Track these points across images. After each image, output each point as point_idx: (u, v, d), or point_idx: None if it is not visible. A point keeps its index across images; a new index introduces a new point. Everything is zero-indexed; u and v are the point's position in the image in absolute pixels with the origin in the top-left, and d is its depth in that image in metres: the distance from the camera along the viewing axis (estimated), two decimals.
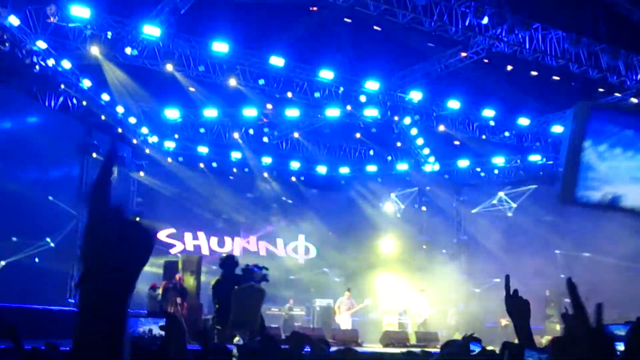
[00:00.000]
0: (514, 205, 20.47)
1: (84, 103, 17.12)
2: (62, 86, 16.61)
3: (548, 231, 18.30)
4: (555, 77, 16.28)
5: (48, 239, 16.84)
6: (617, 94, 17.06)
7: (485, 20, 14.71)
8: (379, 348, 17.72)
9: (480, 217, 21.15)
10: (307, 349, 5.63)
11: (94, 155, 18.29)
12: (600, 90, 16.97)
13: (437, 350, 5.95)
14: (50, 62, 15.37)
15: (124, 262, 1.09)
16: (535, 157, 19.49)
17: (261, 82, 16.63)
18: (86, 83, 16.74)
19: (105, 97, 17.16)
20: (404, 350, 9.08)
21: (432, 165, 20.29)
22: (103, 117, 17.55)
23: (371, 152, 21.32)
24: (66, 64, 15.77)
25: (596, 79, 16.21)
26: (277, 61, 16.04)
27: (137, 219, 1.12)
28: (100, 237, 1.08)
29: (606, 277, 15.83)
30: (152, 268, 18.54)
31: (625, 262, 17.19)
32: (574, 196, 0.58)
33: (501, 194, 20.87)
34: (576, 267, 17.72)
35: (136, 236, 1.11)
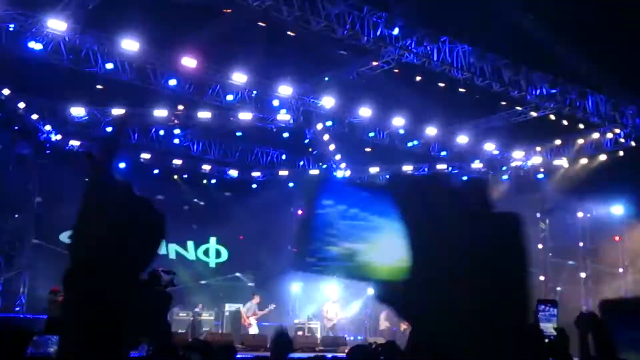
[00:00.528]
0: None
1: None
2: None
3: None
4: (461, 89, 16.86)
5: None
6: (518, 107, 17.89)
7: (395, 31, 15.10)
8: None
9: None
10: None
11: None
12: (503, 103, 17.74)
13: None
14: None
15: (134, 251, 0.86)
16: (442, 166, 20.15)
17: (172, 82, 16.32)
18: None
19: (5, 91, 16.37)
20: (312, 355, 9.17)
21: (343, 172, 20.55)
22: (2, 113, 16.74)
23: (283, 157, 21.37)
24: None
25: (499, 92, 16.92)
26: (189, 62, 15.80)
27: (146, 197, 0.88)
28: (105, 218, 0.85)
29: None
30: (55, 272, 17.88)
31: None
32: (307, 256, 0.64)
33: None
34: None
35: (149, 219, 0.89)
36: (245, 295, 19.43)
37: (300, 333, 18.22)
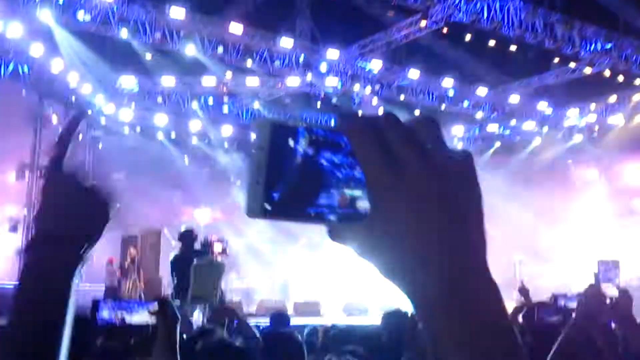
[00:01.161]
0: None
1: (35, 71, 16.60)
2: (12, 54, 16.07)
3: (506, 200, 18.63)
4: (512, 47, 16.46)
5: None
6: (571, 64, 17.39)
7: None
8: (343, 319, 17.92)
9: None
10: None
11: (48, 124, 17.83)
12: (556, 60, 17.27)
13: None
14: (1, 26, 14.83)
15: (77, 231, 1.02)
16: (493, 126, 19.83)
17: (220, 50, 16.35)
18: (37, 50, 16.19)
19: (57, 64, 16.64)
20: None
21: None
22: (55, 86, 17.06)
23: (332, 123, 21.27)
24: (16, 30, 15.21)
25: (552, 49, 16.46)
26: (235, 28, 15.78)
27: (95, 185, 1.03)
28: (54, 203, 1.02)
29: None
30: (110, 242, 18.34)
31: None
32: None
33: None
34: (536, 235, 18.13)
35: (92, 204, 1.04)
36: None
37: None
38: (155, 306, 2.95)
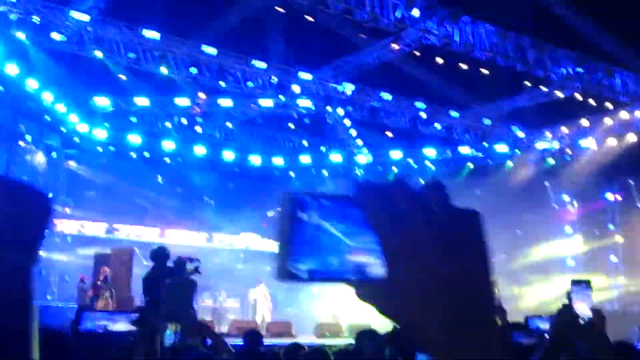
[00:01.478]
0: None
1: (10, 89, 16.62)
2: None
3: None
4: (484, 70, 16.62)
5: None
6: (542, 87, 17.56)
7: (415, 13, 14.91)
8: (313, 339, 17.83)
9: None
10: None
11: (21, 143, 17.82)
12: (527, 83, 17.44)
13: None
14: None
15: (20, 232, 1.00)
16: (465, 149, 19.91)
17: (193, 70, 16.45)
18: (12, 69, 16.25)
19: (32, 83, 16.69)
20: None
21: (365, 157, 20.48)
22: (30, 104, 17.09)
23: (305, 143, 21.35)
24: None
25: (523, 72, 16.62)
26: (209, 50, 15.91)
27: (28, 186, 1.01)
28: None
29: None
30: (83, 260, 18.23)
31: None
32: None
33: None
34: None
35: (28, 200, 1.01)
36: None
37: (325, 320, 18.24)
38: (135, 316, 3.04)
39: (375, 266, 0.65)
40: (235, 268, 21.81)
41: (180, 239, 21.31)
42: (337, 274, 0.65)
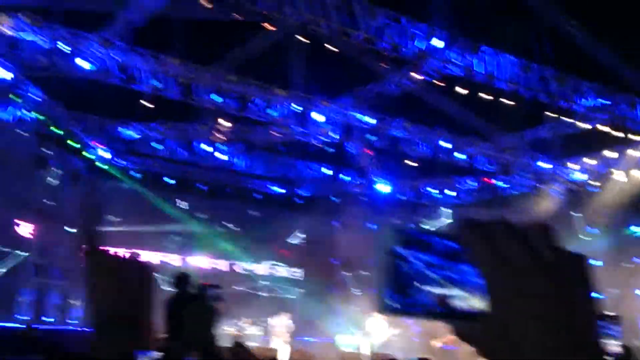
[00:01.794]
0: None
1: (37, 116, 16.99)
2: (15, 98, 16.50)
3: None
4: (506, 101, 16.52)
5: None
6: (565, 118, 17.38)
7: (436, 43, 14.93)
8: None
9: None
10: None
11: (45, 168, 18.14)
12: (550, 114, 17.27)
13: None
14: (2, 74, 15.27)
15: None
16: (489, 180, 19.75)
17: (216, 98, 16.60)
18: (40, 95, 16.65)
19: (59, 110, 17.05)
20: None
21: (386, 185, 20.38)
22: (56, 130, 17.41)
23: (326, 171, 21.34)
24: (20, 76, 15.68)
25: (546, 103, 16.48)
26: (232, 78, 16.08)
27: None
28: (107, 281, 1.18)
29: None
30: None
31: None
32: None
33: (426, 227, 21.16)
34: None
35: (136, 273, 1.17)
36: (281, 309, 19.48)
37: (347, 350, 18.03)
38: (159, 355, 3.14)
39: (466, 299, 0.67)
40: (256, 295, 21.77)
41: (202, 265, 21.40)
42: (433, 308, 0.67)
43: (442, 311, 0.68)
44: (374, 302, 0.67)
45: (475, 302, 0.68)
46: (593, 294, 0.65)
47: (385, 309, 0.67)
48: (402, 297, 0.67)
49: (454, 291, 0.68)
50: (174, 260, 21.46)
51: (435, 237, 0.69)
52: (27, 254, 18.07)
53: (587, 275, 0.66)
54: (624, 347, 10.42)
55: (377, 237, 0.69)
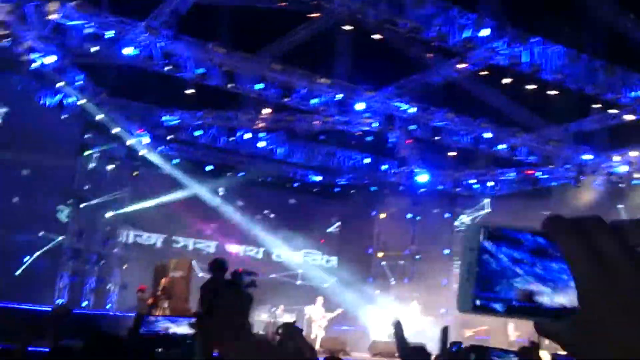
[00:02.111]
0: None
1: (80, 102, 17.09)
2: (59, 84, 16.60)
3: None
4: (551, 92, 16.33)
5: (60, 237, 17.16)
6: (612, 110, 17.15)
7: (484, 33, 14.75)
8: (368, 357, 17.73)
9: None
10: None
11: (87, 153, 18.35)
12: (597, 106, 17.06)
13: None
14: (48, 59, 15.34)
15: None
16: (530, 171, 19.61)
17: (259, 86, 16.58)
18: (84, 81, 16.75)
19: (103, 96, 17.14)
20: None
21: (426, 176, 20.30)
22: (99, 117, 17.51)
23: (366, 161, 21.32)
24: (64, 62, 15.76)
25: (593, 94, 16.27)
26: (276, 66, 16.04)
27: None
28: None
29: None
30: (143, 271, 18.54)
31: None
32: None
33: (464, 218, 21.08)
34: None
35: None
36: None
37: (379, 339, 18.12)
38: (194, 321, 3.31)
39: (554, 297, 0.65)
40: (293, 284, 21.89)
41: (239, 253, 21.52)
42: (518, 305, 0.65)
43: (528, 307, 0.66)
44: (456, 298, 0.65)
45: (564, 300, 0.66)
46: None
47: (467, 306, 0.65)
48: (486, 293, 0.65)
49: (542, 288, 0.66)
50: (209, 246, 21.61)
51: (524, 234, 0.67)
52: (62, 237, 18.27)
53: None
54: None
55: (464, 233, 0.66)
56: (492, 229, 0.67)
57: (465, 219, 21.30)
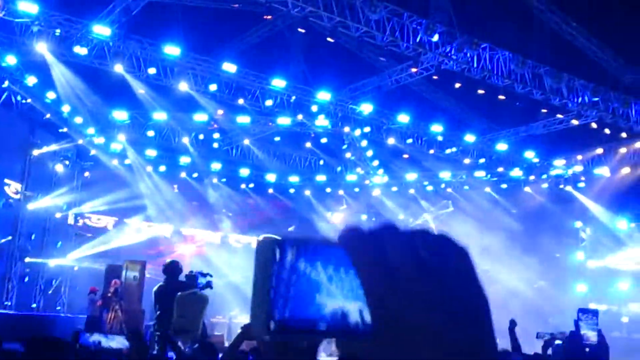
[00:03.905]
0: (433, 225, 20.98)
1: (29, 100, 16.74)
2: (6, 83, 16.23)
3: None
4: (501, 97, 16.69)
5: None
6: (559, 115, 17.63)
7: (435, 38, 14.99)
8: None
9: None
10: None
11: (35, 152, 17.95)
12: (544, 111, 17.51)
13: None
14: None
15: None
16: (480, 173, 19.97)
17: (213, 87, 16.52)
18: (31, 80, 16.38)
19: (51, 95, 16.80)
20: None
21: (381, 177, 20.51)
22: (48, 116, 17.18)
23: (321, 162, 21.44)
24: (11, 60, 15.40)
25: (540, 99, 16.69)
26: (229, 67, 15.98)
27: None
28: None
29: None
30: (93, 272, 18.26)
31: None
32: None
33: (426, 216, 21.37)
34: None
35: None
36: None
37: None
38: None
39: (355, 312, 0.61)
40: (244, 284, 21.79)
41: (193, 252, 21.32)
42: (320, 323, 0.60)
43: (338, 327, 0.61)
44: (254, 325, 0.59)
45: (368, 317, 0.61)
46: (478, 289, 0.62)
47: (265, 332, 0.58)
48: (287, 314, 0.59)
49: (350, 305, 0.61)
50: (165, 230, 21.32)
51: (326, 245, 0.62)
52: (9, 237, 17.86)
53: (470, 271, 0.62)
54: (600, 336, 10.98)
55: (258, 248, 0.59)
56: (286, 242, 0.60)
57: (427, 216, 21.55)
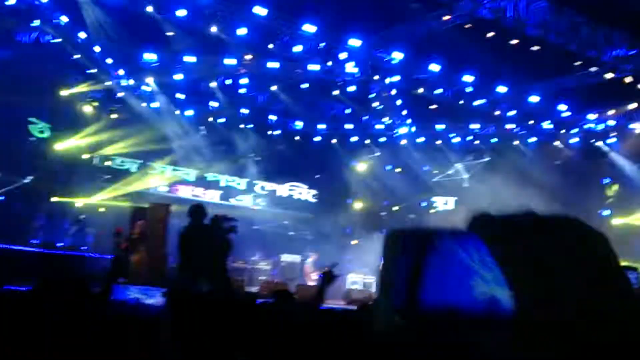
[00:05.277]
0: (466, 176, 20.87)
1: (59, 40, 16.74)
2: (37, 21, 16.23)
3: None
4: (534, 47, 16.32)
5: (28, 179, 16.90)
6: (593, 68, 17.24)
7: None
8: (343, 304, 18.08)
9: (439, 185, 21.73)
10: None
11: (63, 92, 18.08)
12: (578, 63, 17.12)
13: None
14: None
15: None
16: (510, 126, 19.75)
17: (242, 31, 16.34)
18: (63, 19, 16.37)
19: (81, 35, 16.79)
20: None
21: (408, 128, 20.37)
22: (78, 56, 17.20)
23: (348, 111, 21.30)
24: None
25: (575, 51, 16.31)
26: (260, 11, 15.77)
27: None
28: None
29: None
30: (119, 214, 18.52)
31: None
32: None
33: (458, 165, 21.26)
34: None
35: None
36: (299, 248, 19.74)
37: (355, 287, 18.41)
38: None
39: (504, 299, 0.62)
40: (271, 233, 22.03)
41: (218, 198, 21.49)
42: (462, 309, 0.61)
43: (487, 311, 0.62)
44: (378, 310, 0.59)
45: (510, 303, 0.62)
46: (623, 274, 0.64)
47: (409, 310, 0.60)
48: (437, 296, 0.60)
49: (498, 291, 0.62)
50: (188, 174, 21.57)
51: (458, 234, 0.63)
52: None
53: (612, 255, 0.65)
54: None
55: (387, 241, 0.61)
56: (414, 233, 0.62)
57: (459, 166, 21.52)
